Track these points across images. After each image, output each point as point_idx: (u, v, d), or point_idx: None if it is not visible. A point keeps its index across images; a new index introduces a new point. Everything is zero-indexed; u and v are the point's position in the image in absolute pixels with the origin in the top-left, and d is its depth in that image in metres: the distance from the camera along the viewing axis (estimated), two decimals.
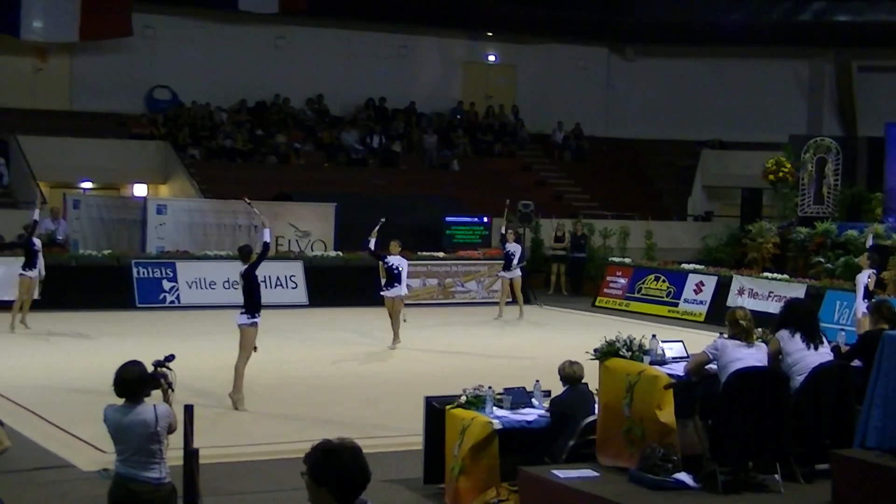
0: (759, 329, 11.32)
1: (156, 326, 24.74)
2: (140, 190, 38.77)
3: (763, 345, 10.87)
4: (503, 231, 29.06)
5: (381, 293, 23.02)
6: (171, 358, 9.26)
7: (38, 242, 24.40)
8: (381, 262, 23.21)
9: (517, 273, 28.49)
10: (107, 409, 8.85)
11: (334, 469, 5.43)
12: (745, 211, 36.16)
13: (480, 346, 23.60)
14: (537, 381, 12.79)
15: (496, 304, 29.26)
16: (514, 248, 28.58)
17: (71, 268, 28.04)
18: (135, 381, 8.72)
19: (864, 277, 22.43)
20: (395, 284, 22.61)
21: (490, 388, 12.35)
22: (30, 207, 33.26)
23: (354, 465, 5.46)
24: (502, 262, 28.85)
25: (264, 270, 28.58)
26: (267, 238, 17.45)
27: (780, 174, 33.44)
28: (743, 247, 32.45)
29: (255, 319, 16.86)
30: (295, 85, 42.31)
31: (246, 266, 16.98)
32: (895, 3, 41.89)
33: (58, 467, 13.26)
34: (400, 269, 22.66)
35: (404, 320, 23.08)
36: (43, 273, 24.32)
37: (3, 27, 35.56)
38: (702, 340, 12.38)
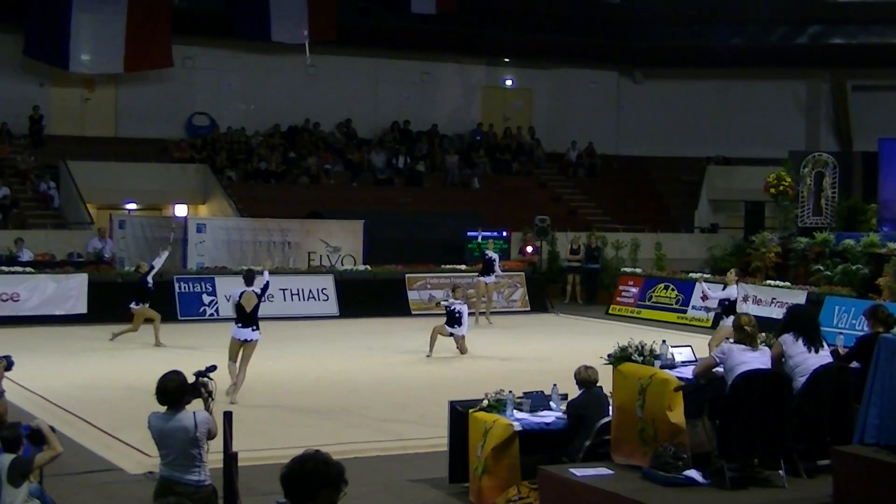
0: (763, 334, 11.28)
1: (196, 338, 24.74)
2: (181, 210, 38.83)
3: (767, 348, 10.84)
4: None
5: (446, 327, 22.60)
6: (212, 368, 9.27)
7: (151, 282, 24.12)
8: (445, 308, 22.97)
9: (493, 279, 28.83)
10: (151, 416, 8.88)
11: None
12: (748, 223, 36.05)
13: (501, 352, 23.54)
14: (555, 385, 12.76)
15: (515, 313, 29.23)
16: (494, 255, 28.92)
17: (117, 283, 28.08)
18: (175, 390, 8.74)
19: (734, 292, 21.52)
20: (456, 326, 22.47)
21: (510, 392, 12.33)
22: (81, 228, 33.60)
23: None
24: (485, 269, 28.83)
25: (297, 284, 28.95)
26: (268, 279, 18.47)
27: (781, 188, 33.29)
28: (747, 256, 32.28)
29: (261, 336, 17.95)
30: (325, 110, 42.37)
31: (255, 289, 17.80)
32: (886, 26, 41.81)
33: (106, 470, 13.27)
34: (461, 312, 22.52)
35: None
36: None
37: (53, 60, 35.73)
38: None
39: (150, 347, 23.21)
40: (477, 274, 29.34)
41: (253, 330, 17.58)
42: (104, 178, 36.53)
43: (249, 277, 18.18)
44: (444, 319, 22.89)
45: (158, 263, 24.41)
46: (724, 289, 21.68)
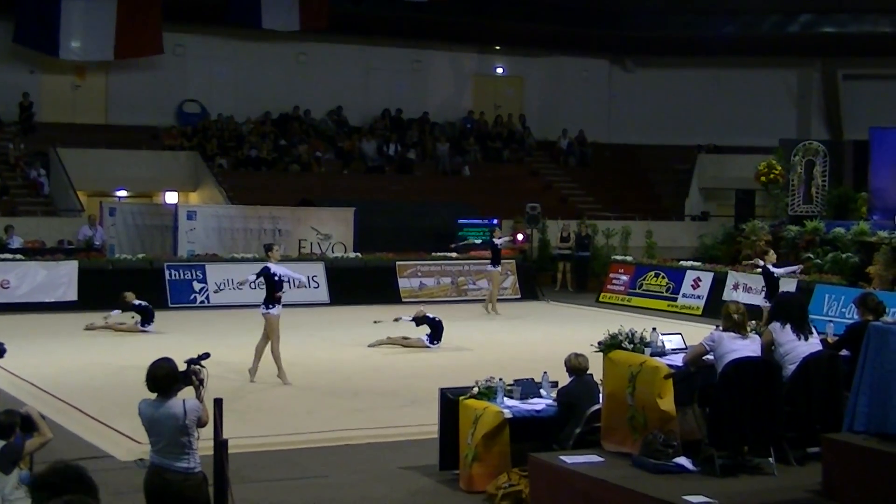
0: (753, 321, 11.30)
1: (187, 325, 24.75)
2: (171, 197, 38.80)
3: (757, 336, 10.84)
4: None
5: (428, 343, 22.08)
6: (205, 356, 9.23)
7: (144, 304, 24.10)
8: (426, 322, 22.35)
9: (500, 268, 28.79)
10: (141, 403, 8.87)
11: None
12: (739, 211, 36.13)
13: (491, 340, 23.54)
14: (545, 372, 12.77)
15: (505, 300, 29.24)
16: (499, 241, 28.75)
17: (108, 271, 28.12)
18: (165, 377, 8.73)
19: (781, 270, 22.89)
20: (435, 341, 22.11)
21: (501, 379, 12.35)
22: (71, 215, 33.56)
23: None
24: (493, 258, 28.60)
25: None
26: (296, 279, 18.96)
27: (772, 176, 33.37)
28: (737, 244, 32.37)
29: (269, 310, 17.93)
30: (316, 97, 42.34)
31: (266, 265, 18.11)
32: (878, 16, 41.83)
33: (97, 457, 13.23)
34: (442, 322, 22.31)
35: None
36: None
37: (44, 48, 35.60)
38: (699, 333, 12.35)
39: (141, 335, 23.20)
40: (488, 263, 29.05)
41: (262, 303, 18.20)
42: (94, 165, 36.51)
43: (265, 249, 19.06)
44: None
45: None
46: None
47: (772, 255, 23.88)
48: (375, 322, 22.87)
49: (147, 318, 23.76)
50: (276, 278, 17.98)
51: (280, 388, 17.61)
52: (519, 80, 47.43)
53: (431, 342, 21.93)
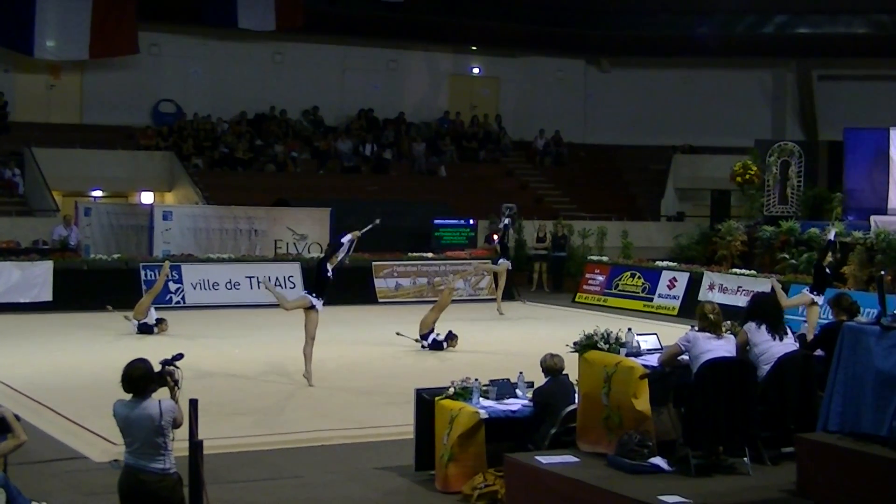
0: (728, 322, 11.33)
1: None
2: (147, 197, 38.68)
3: (732, 336, 10.89)
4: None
5: (424, 345, 22.15)
6: (179, 357, 9.21)
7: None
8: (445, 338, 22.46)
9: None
10: (116, 404, 8.85)
11: None
12: (714, 211, 36.20)
13: (467, 340, 23.47)
14: (521, 372, 12.77)
15: (487, 300, 29.23)
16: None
17: (83, 271, 27.97)
18: (140, 378, 8.71)
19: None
20: (423, 342, 22.07)
21: (476, 380, 12.34)
22: (46, 215, 33.43)
23: None
24: (489, 260, 28.65)
25: (264, 271, 28.71)
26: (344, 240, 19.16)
27: (747, 176, 33.47)
28: (713, 245, 32.43)
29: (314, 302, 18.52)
30: (292, 97, 42.27)
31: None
32: (852, 17, 41.99)
33: (71, 458, 13.22)
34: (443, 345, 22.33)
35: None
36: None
37: (18, 46, 35.35)
38: (675, 333, 12.36)
39: (117, 335, 23.11)
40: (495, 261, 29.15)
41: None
42: (70, 165, 36.37)
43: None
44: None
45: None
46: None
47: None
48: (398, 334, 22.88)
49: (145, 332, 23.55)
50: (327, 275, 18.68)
51: (254, 389, 17.57)
52: (495, 80, 47.46)
53: (424, 338, 21.93)
